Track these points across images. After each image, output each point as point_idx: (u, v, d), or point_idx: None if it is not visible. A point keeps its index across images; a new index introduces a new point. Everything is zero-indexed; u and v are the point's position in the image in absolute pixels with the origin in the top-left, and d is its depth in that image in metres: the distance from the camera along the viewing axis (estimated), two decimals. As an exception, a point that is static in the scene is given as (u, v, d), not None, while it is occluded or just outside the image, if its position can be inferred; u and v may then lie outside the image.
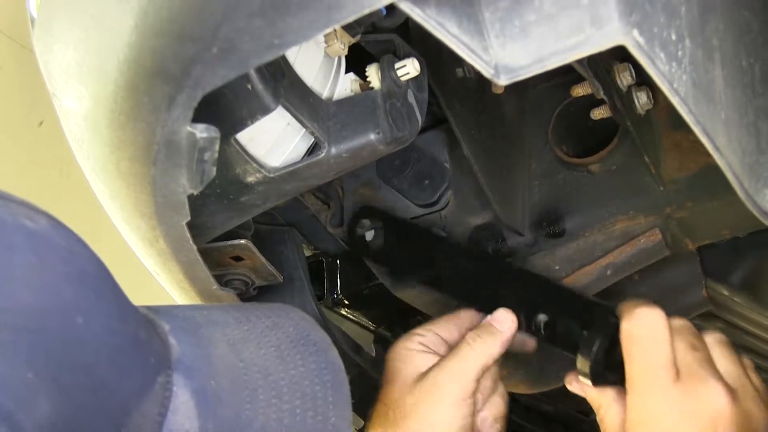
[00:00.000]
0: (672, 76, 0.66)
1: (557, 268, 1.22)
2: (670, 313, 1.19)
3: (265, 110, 0.81)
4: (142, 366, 0.67)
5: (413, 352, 1.19)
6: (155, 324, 0.73)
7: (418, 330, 1.21)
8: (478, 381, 1.13)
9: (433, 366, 1.15)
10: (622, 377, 1.05)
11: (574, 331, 1.16)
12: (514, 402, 1.83)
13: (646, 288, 1.34)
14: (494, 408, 1.19)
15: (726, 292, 1.35)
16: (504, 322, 1.16)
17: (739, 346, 1.63)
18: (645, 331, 1.05)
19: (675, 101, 0.67)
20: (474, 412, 1.14)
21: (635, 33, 0.62)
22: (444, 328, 1.21)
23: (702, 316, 1.55)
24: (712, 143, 0.71)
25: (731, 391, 1.01)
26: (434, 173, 1.30)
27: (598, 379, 1.08)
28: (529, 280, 1.20)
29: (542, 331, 1.18)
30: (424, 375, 1.14)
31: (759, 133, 0.84)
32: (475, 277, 1.22)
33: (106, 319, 0.65)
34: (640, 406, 1.04)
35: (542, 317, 1.18)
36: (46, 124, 2.73)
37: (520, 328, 1.19)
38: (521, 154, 1.28)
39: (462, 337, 1.17)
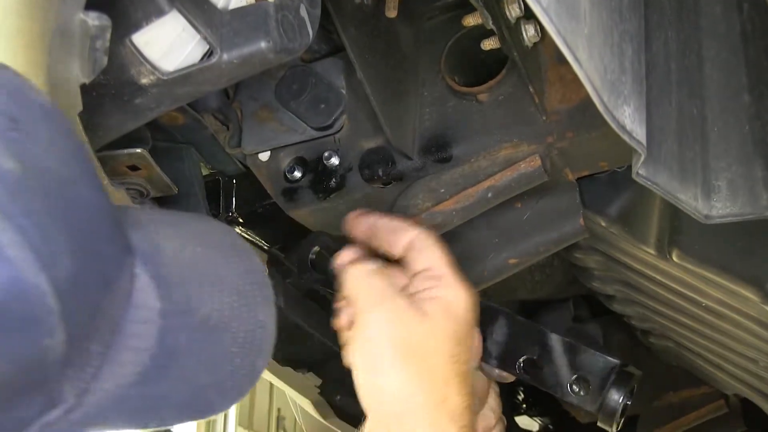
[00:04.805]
0: (535, -13, 0.72)
1: (442, 191, 1.27)
2: (551, 239, 1.27)
3: (160, 12, 0.85)
4: (120, 241, 0.71)
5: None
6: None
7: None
8: None
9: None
10: None
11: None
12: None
13: (527, 215, 1.40)
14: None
15: (603, 223, 1.43)
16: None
17: (618, 281, 1.72)
18: None
19: (536, 10, 0.72)
20: None
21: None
22: (394, 271, 1.15)
23: (583, 249, 1.63)
24: (572, 54, 0.77)
25: None
26: (330, 98, 1.34)
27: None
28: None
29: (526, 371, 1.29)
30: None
31: (623, 54, 0.90)
32: None
33: (98, 192, 0.69)
34: None
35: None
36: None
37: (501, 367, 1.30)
38: (414, 82, 1.33)
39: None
